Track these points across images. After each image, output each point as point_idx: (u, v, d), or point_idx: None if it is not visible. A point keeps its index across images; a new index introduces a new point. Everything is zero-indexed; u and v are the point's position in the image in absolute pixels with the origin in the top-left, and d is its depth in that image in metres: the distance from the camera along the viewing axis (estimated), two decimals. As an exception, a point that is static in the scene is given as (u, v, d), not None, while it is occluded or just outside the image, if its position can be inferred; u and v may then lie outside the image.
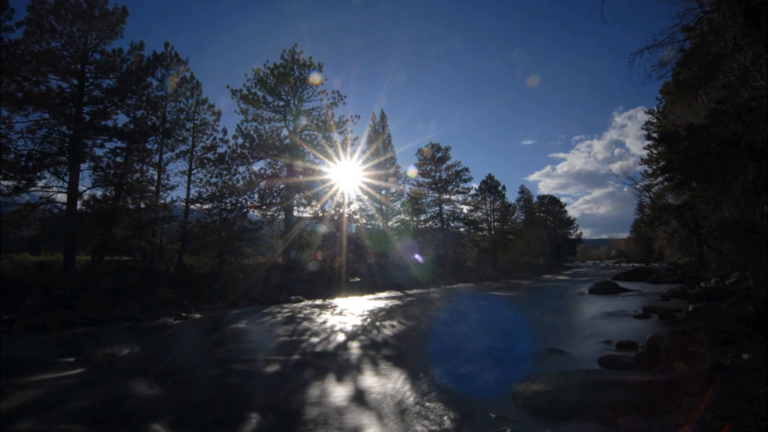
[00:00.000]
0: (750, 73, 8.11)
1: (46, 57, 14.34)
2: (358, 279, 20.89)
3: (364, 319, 10.68)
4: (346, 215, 21.64)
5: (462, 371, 5.56)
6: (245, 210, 20.34)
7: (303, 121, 21.26)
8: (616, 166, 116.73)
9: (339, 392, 4.76)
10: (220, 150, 19.68)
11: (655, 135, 26.30)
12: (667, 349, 5.49)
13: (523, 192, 47.69)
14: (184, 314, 12.16)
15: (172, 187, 19.48)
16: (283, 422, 3.93)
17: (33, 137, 14.50)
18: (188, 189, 19.37)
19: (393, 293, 18.58)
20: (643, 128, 28.60)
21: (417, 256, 28.97)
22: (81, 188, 15.39)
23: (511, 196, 54.24)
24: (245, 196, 20.03)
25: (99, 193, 16.13)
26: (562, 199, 54.11)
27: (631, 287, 18.17)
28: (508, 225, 40.14)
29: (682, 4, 7.20)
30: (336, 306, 14.01)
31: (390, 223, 30.58)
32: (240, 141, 19.92)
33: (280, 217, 21.39)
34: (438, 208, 34.54)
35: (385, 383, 5.04)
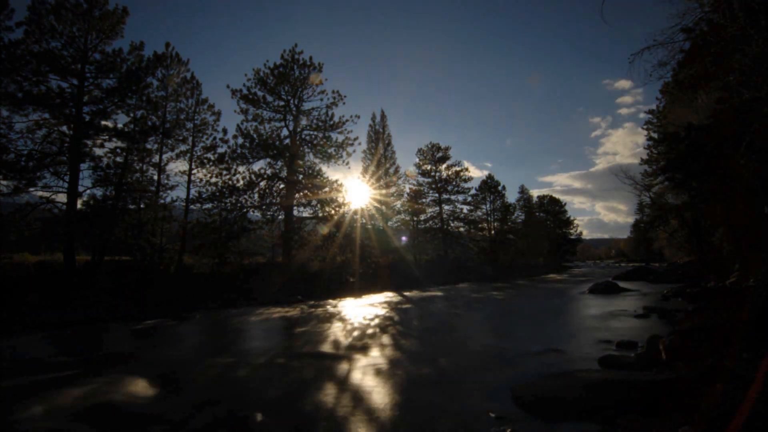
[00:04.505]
0: (750, 72, 8.10)
1: (46, 57, 14.35)
2: (358, 279, 20.88)
3: (364, 319, 10.68)
4: (345, 215, 21.63)
5: (462, 371, 5.56)
6: (245, 210, 20.34)
7: (303, 121, 21.26)
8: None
9: (338, 391, 4.76)
10: (220, 150, 19.72)
11: (655, 135, 26.28)
12: (667, 349, 5.49)
13: (523, 192, 47.72)
14: (183, 314, 12.16)
15: (172, 187, 19.54)
16: (283, 421, 3.93)
17: (33, 137, 14.53)
18: (188, 189, 19.39)
19: (393, 293, 18.58)
20: (643, 128, 28.59)
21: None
22: (81, 188, 15.42)
23: (511, 196, 54.27)
24: (245, 196, 20.03)
25: (99, 193, 16.16)
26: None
27: (631, 287, 18.17)
28: (508, 225, 40.11)
29: (682, 4, 7.21)
30: (335, 306, 14.01)
31: (390, 223, 30.56)
32: (240, 141, 19.93)
33: (280, 217, 21.37)
34: (438, 208, 34.54)
35: (384, 382, 5.04)
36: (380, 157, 29.41)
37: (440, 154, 34.44)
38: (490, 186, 37.98)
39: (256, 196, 20.30)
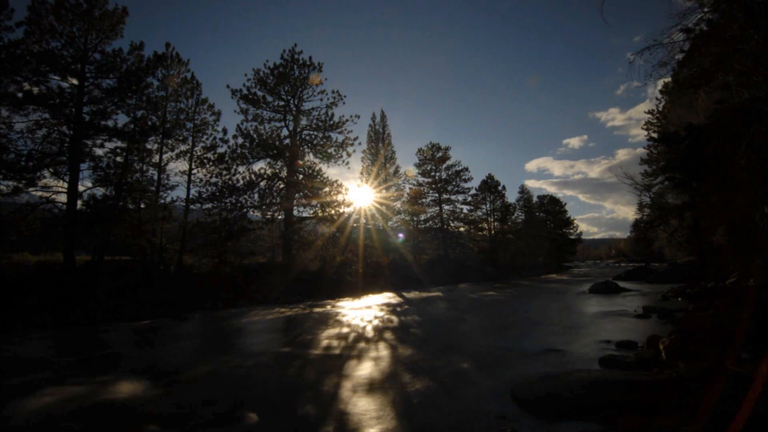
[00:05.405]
0: (750, 72, 8.11)
1: (46, 57, 14.35)
2: (358, 279, 20.89)
3: (363, 319, 10.68)
4: (345, 215, 21.64)
5: (462, 371, 5.56)
6: (245, 210, 20.34)
7: (303, 121, 21.26)
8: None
9: (337, 391, 4.76)
10: (220, 150, 19.72)
11: (655, 135, 26.28)
12: (667, 349, 5.50)
13: (523, 192, 47.72)
14: (183, 314, 12.16)
15: (172, 187, 19.54)
16: (282, 421, 3.93)
17: (33, 137, 14.52)
18: (188, 189, 19.39)
19: (393, 294, 18.59)
20: (643, 128, 28.62)
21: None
22: (81, 188, 15.41)
23: (511, 196, 54.35)
24: (245, 196, 20.03)
25: (99, 193, 16.15)
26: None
27: (631, 287, 18.17)
28: (508, 225, 40.10)
29: (682, 4, 7.22)
30: (335, 306, 14.01)
31: (390, 223, 30.57)
32: (240, 141, 19.93)
33: (280, 217, 21.38)
34: (438, 208, 34.54)
35: (384, 382, 5.04)
36: (380, 157, 29.43)
37: (440, 154, 34.45)
38: (490, 186, 37.99)
39: (256, 196, 20.31)
